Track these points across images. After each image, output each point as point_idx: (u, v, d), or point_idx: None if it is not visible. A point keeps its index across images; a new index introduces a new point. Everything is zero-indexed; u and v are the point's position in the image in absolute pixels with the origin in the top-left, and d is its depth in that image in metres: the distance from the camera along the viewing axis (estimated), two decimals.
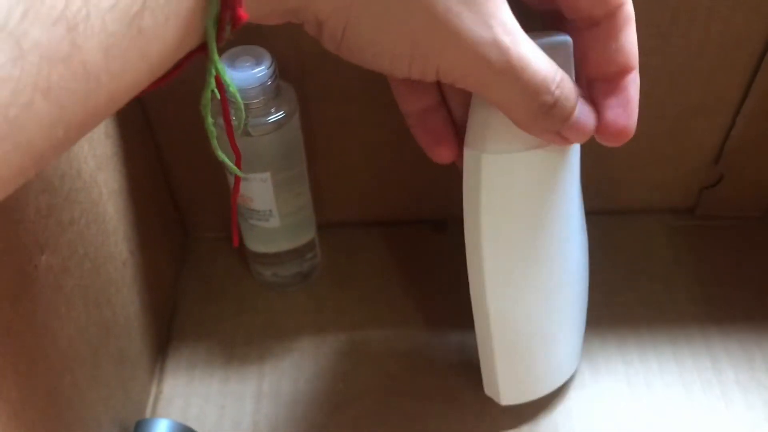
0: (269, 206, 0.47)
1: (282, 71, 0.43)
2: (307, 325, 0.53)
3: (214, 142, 0.28)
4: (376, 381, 0.49)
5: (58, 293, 0.36)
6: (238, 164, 0.31)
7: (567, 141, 0.33)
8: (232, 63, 0.41)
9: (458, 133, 0.37)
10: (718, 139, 0.52)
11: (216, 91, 0.27)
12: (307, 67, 0.47)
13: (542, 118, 0.31)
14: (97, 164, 0.40)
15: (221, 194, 0.51)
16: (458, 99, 0.36)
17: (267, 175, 0.45)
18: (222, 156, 0.29)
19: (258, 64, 0.41)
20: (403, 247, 0.57)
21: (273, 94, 0.42)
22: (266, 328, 0.53)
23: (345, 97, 0.49)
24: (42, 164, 0.21)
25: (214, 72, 0.26)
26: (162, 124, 0.50)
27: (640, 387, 0.48)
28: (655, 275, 0.54)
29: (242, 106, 0.30)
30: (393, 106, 0.49)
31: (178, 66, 0.24)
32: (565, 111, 0.32)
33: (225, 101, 0.28)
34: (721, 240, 0.57)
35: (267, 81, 0.41)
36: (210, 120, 0.27)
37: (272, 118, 0.43)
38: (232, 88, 0.27)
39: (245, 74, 0.41)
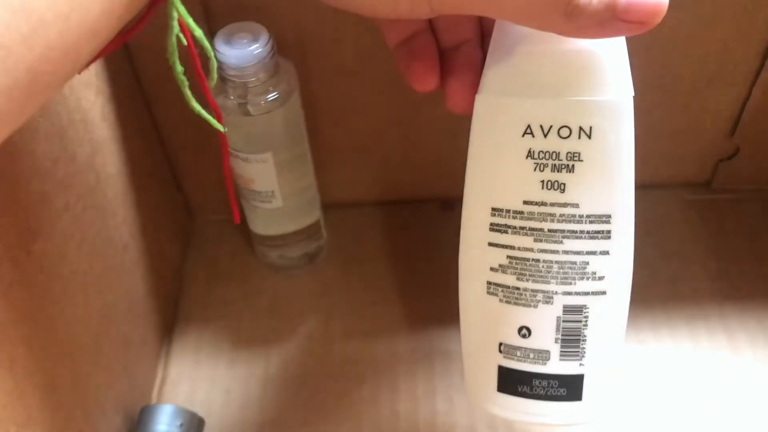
0: (271, 187, 0.46)
1: (281, 48, 0.42)
2: (313, 307, 0.52)
3: (187, 92, 0.27)
4: (384, 363, 0.48)
5: (55, 280, 0.35)
6: (218, 120, 0.30)
7: (636, 26, 0.26)
8: (229, 40, 0.40)
9: (442, 59, 0.34)
10: (734, 110, 0.50)
11: (181, 36, 0.25)
12: (307, 44, 0.45)
13: (579, 13, 0.26)
14: (93, 148, 0.39)
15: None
16: (445, 22, 0.34)
17: (268, 155, 0.44)
18: (198, 108, 0.28)
19: (255, 40, 0.40)
20: (410, 227, 0.56)
21: (272, 71, 0.41)
22: (272, 310, 0.52)
23: (347, 74, 0.47)
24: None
25: (176, 15, 0.25)
26: (162, 105, 0.49)
27: (655, 366, 0.47)
28: (669, 251, 0.53)
29: (213, 54, 0.29)
30: (398, 81, 0.47)
31: (144, 16, 0.23)
32: None
33: (192, 46, 0.27)
34: (737, 214, 0.55)
35: (265, 58, 0.40)
36: (180, 69, 0.26)
37: (272, 96, 0.42)
38: (198, 33, 0.26)
39: (242, 51, 0.39)
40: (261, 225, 0.51)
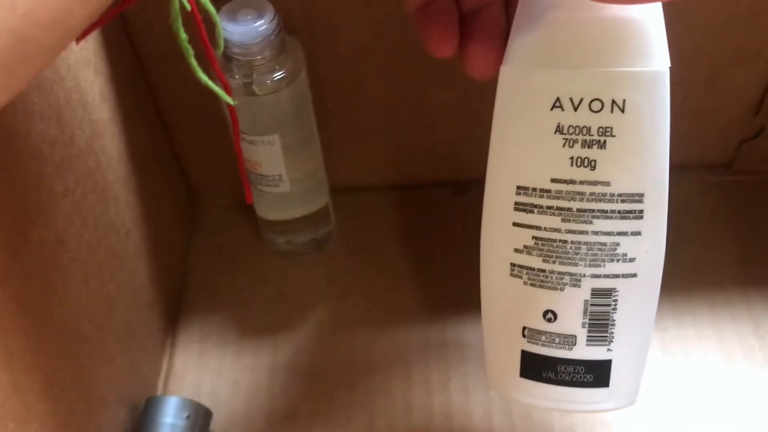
0: (278, 171, 0.45)
1: (288, 26, 0.40)
2: (322, 294, 0.50)
3: (193, 62, 0.25)
4: (396, 353, 0.47)
5: (53, 268, 0.33)
6: (227, 92, 0.28)
7: None
8: (233, 16, 0.38)
9: (463, 23, 0.32)
10: (759, 87, 0.49)
11: (184, 0, 0.24)
12: (315, 21, 0.44)
13: None
14: (93, 130, 0.38)
15: (230, 159, 0.49)
16: None
17: (275, 137, 0.43)
18: (205, 78, 0.26)
19: (260, 16, 0.38)
20: (422, 211, 0.55)
21: (278, 49, 0.39)
22: (280, 298, 0.50)
23: (357, 52, 0.46)
24: None
25: None
26: (164, 86, 0.47)
27: (677, 354, 0.46)
28: (690, 235, 0.51)
29: (218, 20, 0.27)
30: (410, 60, 0.46)
31: None
32: None
33: (196, 11, 0.25)
34: (760, 196, 0.53)
35: (270, 35, 0.38)
36: (184, 36, 0.24)
37: (278, 75, 0.40)
38: None
39: (246, 28, 0.38)
40: (268, 210, 0.49)
